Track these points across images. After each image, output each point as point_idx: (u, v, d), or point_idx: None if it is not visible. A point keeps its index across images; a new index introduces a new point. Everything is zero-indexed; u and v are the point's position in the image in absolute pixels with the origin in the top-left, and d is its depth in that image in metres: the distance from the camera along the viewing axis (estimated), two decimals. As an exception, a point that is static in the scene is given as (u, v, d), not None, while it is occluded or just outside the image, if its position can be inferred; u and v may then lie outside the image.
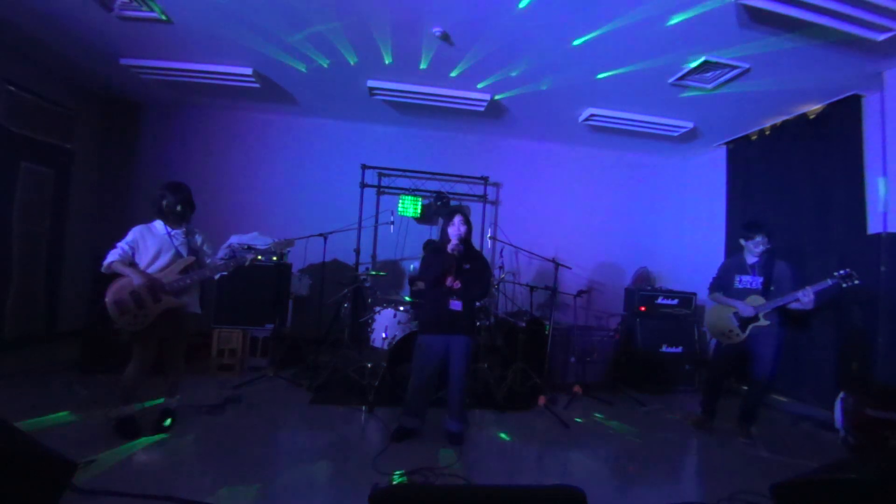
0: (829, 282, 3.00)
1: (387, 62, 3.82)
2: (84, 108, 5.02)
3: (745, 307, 3.24)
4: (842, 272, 2.99)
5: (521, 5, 2.89)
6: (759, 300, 3.22)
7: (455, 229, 2.94)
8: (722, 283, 3.47)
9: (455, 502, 1.34)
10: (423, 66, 3.84)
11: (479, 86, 4.18)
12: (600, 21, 3.01)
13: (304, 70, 4.07)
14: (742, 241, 3.41)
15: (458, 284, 2.92)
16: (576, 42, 3.27)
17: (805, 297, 3.02)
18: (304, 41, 3.55)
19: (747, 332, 3.23)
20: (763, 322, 3.18)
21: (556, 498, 1.33)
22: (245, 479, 2.30)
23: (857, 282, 2.97)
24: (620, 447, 3.13)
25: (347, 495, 2.24)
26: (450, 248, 2.90)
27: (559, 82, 3.99)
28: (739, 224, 4.19)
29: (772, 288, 3.24)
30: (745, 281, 3.35)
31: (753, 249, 3.33)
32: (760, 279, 3.29)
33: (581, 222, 5.95)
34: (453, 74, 3.96)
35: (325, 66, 3.94)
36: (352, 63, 3.87)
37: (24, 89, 4.24)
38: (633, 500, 2.47)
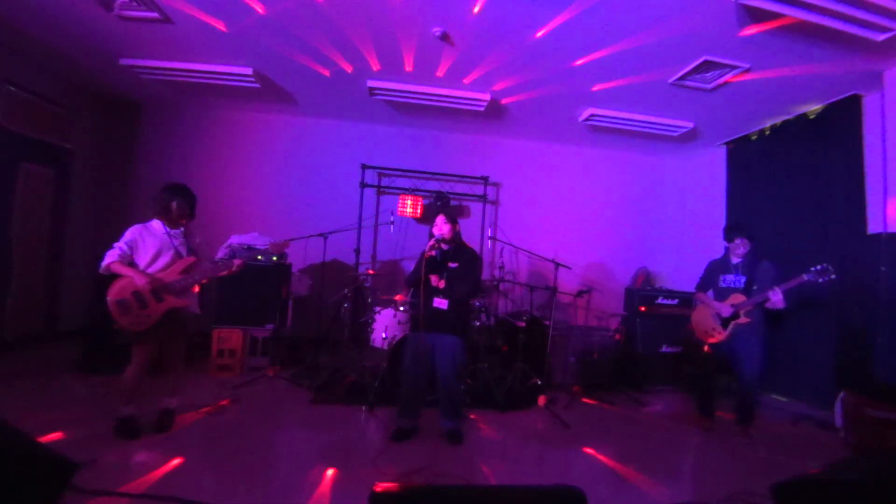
0: (806, 277, 2.99)
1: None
2: (84, 107, 5.02)
3: (724, 307, 3.29)
4: (817, 267, 2.97)
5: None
6: (741, 299, 3.25)
7: (437, 229, 2.98)
8: (707, 283, 3.53)
9: (455, 502, 1.33)
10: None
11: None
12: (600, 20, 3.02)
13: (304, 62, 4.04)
14: (725, 243, 3.45)
15: (442, 283, 2.95)
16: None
17: (774, 297, 3.04)
18: (303, 42, 3.55)
19: (729, 329, 3.25)
20: (744, 319, 3.21)
21: (556, 498, 1.33)
22: (245, 479, 2.30)
23: (833, 276, 2.94)
24: (620, 447, 3.13)
25: (347, 495, 2.24)
26: (426, 249, 2.94)
27: (560, 82, 3.99)
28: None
29: (755, 287, 3.25)
30: (728, 280, 3.40)
31: (735, 251, 3.37)
32: (743, 279, 3.32)
33: (581, 222, 5.95)
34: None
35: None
36: (350, 71, 3.87)
37: (23, 89, 4.25)
38: (633, 500, 2.46)
